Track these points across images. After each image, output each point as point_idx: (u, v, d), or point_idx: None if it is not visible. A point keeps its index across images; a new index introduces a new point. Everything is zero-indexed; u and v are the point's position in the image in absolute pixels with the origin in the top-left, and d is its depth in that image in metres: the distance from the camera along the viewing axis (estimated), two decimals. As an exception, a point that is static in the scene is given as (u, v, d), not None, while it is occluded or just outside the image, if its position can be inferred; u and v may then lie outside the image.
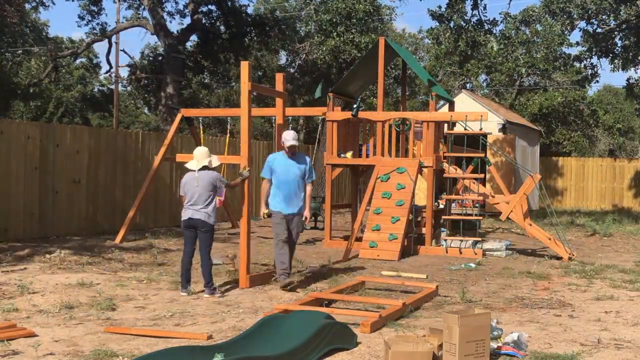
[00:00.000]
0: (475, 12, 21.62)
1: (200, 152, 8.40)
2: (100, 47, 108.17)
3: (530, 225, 12.65)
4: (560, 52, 27.34)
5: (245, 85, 9.05)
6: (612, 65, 24.69)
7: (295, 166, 8.78)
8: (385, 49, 13.89)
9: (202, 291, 8.22)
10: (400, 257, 11.75)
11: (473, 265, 11.12)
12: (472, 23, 21.73)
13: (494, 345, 5.69)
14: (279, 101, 10.06)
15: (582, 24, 23.70)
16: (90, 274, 9.33)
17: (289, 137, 8.82)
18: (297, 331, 5.68)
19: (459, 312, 5.55)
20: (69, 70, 36.35)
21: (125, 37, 75.14)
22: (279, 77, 10.14)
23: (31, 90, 29.59)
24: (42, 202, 13.35)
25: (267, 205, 8.94)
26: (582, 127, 33.51)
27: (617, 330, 6.81)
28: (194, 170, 8.28)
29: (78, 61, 35.16)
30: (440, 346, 5.44)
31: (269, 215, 8.95)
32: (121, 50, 31.69)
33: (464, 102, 20.47)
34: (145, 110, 42.27)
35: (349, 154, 13.88)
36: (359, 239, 12.36)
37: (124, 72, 32.89)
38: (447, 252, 12.47)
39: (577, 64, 26.80)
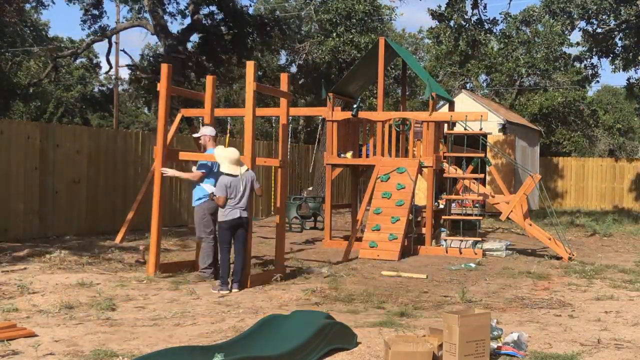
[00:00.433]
0: (476, 11, 21.62)
1: (236, 154, 8.75)
2: (100, 47, 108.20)
3: (530, 225, 12.65)
4: (560, 52, 27.34)
5: (250, 85, 9.03)
6: (613, 66, 24.70)
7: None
8: (385, 49, 13.89)
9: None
10: (400, 257, 11.75)
11: (473, 265, 11.12)
12: (472, 22, 21.73)
13: (494, 345, 5.69)
14: (283, 101, 9.99)
15: (582, 24, 23.72)
16: (90, 274, 9.32)
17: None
18: (297, 331, 5.68)
19: (459, 312, 5.55)
20: (69, 70, 36.33)
21: (125, 37, 75.15)
22: (284, 77, 10.07)
23: (31, 90, 29.58)
24: (42, 202, 13.35)
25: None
26: (582, 127, 33.51)
27: (617, 330, 6.80)
28: (236, 176, 8.66)
29: (78, 61, 35.13)
30: (440, 346, 5.44)
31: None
32: (121, 50, 31.66)
33: (464, 102, 20.48)
34: (145, 110, 42.28)
35: (349, 154, 13.88)
36: (359, 239, 12.36)
37: (124, 72, 32.91)
38: (447, 252, 12.47)
39: (577, 64, 26.79)
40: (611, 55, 24.32)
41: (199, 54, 24.23)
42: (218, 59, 24.52)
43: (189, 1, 23.46)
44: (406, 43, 38.63)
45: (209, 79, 10.28)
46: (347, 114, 13.76)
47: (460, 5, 21.11)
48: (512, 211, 12.35)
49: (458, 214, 14.72)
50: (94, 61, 37.82)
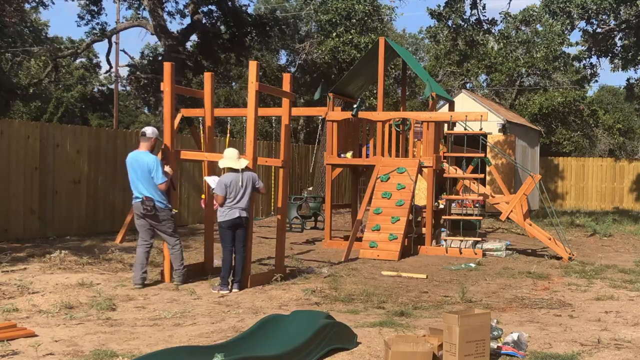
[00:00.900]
0: (474, 11, 21.62)
1: (235, 153, 8.78)
2: (100, 47, 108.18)
3: (530, 225, 12.65)
4: (560, 52, 27.33)
5: (253, 85, 8.98)
6: (612, 65, 24.69)
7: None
8: (385, 49, 13.89)
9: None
10: (400, 257, 11.75)
11: (473, 265, 11.12)
12: (470, 22, 21.73)
13: (494, 345, 5.69)
14: (285, 102, 9.93)
15: (582, 23, 23.70)
16: (90, 274, 9.32)
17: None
18: (297, 331, 5.68)
19: (459, 312, 5.55)
20: (69, 70, 36.31)
21: (125, 37, 75.16)
22: (286, 78, 9.97)
23: (31, 91, 29.57)
24: (42, 202, 13.35)
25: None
26: (582, 127, 33.49)
27: (617, 330, 6.80)
28: (237, 170, 8.66)
29: (78, 61, 35.13)
30: (440, 346, 5.44)
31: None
32: (121, 50, 31.73)
33: (464, 102, 20.49)
34: (145, 110, 42.24)
35: (349, 154, 13.88)
36: (359, 239, 12.36)
37: (124, 72, 32.89)
38: (447, 252, 12.47)
39: (576, 64, 26.79)
40: (610, 55, 24.31)
41: (198, 53, 24.22)
42: (216, 58, 24.51)
43: (189, 1, 23.46)
44: (406, 43, 38.62)
45: (207, 76, 10.23)
46: (347, 114, 13.76)
47: (458, 5, 21.11)
48: (512, 211, 12.35)
49: (458, 214, 14.72)
50: (94, 61, 37.83)
